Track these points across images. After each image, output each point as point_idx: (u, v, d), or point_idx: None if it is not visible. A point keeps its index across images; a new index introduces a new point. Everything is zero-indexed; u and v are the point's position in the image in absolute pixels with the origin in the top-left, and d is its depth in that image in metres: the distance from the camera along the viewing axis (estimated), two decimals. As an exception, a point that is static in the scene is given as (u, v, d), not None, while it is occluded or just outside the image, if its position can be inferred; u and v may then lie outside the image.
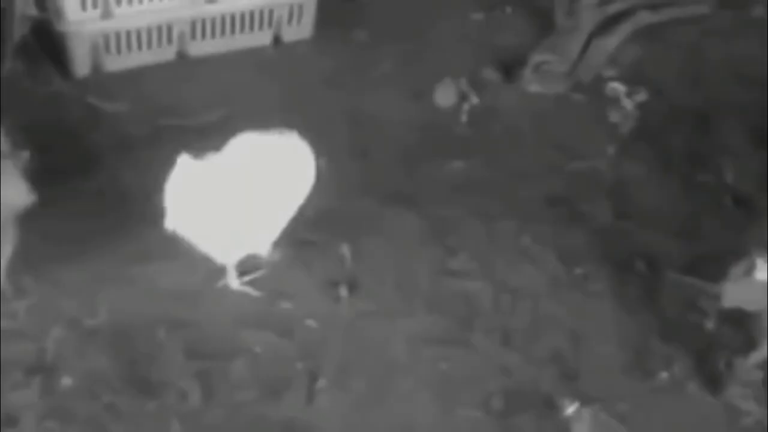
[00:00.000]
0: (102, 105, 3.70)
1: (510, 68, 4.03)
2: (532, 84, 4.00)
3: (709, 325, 3.17)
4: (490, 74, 4.03)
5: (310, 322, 3.11)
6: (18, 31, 3.69)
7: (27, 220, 2.90)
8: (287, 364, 3.00)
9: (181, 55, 3.92)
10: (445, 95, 3.90)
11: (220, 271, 3.14)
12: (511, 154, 3.72)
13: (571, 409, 2.96)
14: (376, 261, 3.29)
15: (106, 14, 3.69)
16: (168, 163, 2.88)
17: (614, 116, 3.90)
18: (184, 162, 2.86)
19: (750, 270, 2.86)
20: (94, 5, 3.66)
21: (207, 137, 3.08)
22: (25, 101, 3.59)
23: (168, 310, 3.06)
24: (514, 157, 3.71)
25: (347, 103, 3.83)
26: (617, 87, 3.99)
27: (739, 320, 3.02)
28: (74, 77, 3.78)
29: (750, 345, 3.01)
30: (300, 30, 4.06)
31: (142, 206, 3.12)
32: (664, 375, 3.08)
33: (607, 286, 3.30)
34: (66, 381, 2.89)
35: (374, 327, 3.12)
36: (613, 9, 4.24)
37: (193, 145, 2.95)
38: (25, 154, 2.90)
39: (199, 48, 3.93)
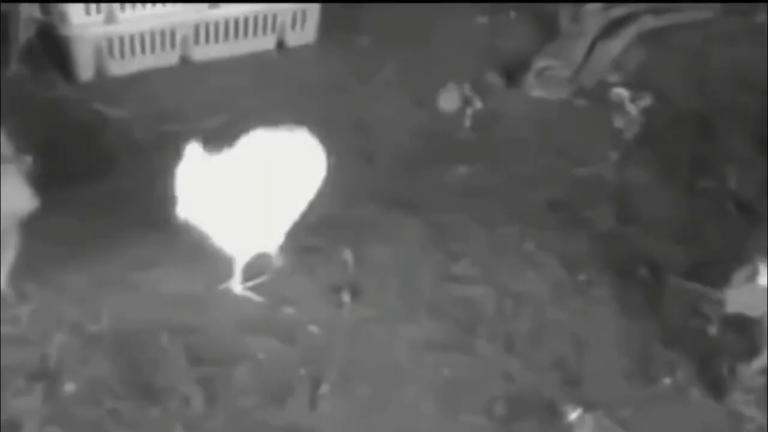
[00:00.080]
0: (106, 109, 3.70)
1: (513, 73, 4.04)
2: (535, 89, 4.00)
3: (712, 330, 3.16)
4: (494, 79, 4.03)
5: (313, 328, 3.10)
6: (22, 34, 3.71)
7: (30, 224, 2.89)
8: (290, 369, 2.99)
9: (185, 60, 3.93)
10: (448, 100, 3.90)
11: (224, 276, 3.14)
12: (514, 160, 3.72)
13: (574, 415, 2.95)
14: (379, 267, 3.28)
15: (110, 18, 3.70)
16: (171, 168, 2.88)
17: (618, 122, 3.90)
18: (193, 150, 2.86)
19: (753, 276, 2.86)
20: (98, 9, 3.67)
21: (211, 142, 3.07)
22: (29, 105, 3.59)
23: (171, 316, 3.06)
24: (518, 163, 3.71)
25: (350, 108, 3.84)
26: (621, 92, 3.99)
27: (742, 326, 3.02)
28: (78, 81, 3.80)
29: (753, 351, 3.00)
30: (303, 35, 4.07)
31: (145, 211, 3.12)
32: (666, 381, 3.08)
33: (610, 291, 3.29)
34: (69, 387, 2.88)
35: (377, 332, 3.12)
36: (617, 14, 4.25)
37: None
38: (29, 159, 2.90)
39: (203, 53, 3.94)
